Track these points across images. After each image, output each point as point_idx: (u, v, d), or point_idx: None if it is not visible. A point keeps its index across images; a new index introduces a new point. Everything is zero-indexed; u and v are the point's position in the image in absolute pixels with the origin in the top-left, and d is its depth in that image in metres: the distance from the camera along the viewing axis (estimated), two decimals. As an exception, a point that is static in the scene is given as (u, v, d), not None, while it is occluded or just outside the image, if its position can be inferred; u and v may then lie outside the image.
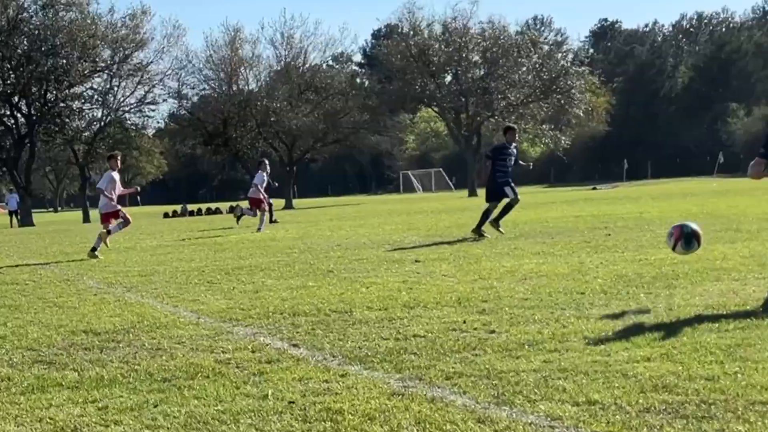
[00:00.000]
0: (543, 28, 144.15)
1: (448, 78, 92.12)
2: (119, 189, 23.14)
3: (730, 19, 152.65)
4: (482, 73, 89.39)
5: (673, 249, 11.39)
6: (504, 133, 23.50)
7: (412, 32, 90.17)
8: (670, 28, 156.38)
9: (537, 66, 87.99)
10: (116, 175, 22.75)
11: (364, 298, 11.80)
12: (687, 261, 14.01)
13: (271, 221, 36.02)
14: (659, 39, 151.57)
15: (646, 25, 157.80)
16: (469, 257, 16.63)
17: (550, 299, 10.86)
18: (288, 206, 74.22)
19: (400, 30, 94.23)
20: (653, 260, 14.50)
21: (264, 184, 33.47)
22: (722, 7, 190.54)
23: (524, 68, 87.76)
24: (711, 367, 7.05)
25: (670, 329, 8.65)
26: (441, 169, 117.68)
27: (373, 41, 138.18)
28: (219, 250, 22.52)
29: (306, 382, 7.29)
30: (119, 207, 22.87)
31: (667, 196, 38.49)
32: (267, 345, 8.94)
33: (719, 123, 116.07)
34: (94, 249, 22.09)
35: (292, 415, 6.37)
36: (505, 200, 22.35)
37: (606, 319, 9.30)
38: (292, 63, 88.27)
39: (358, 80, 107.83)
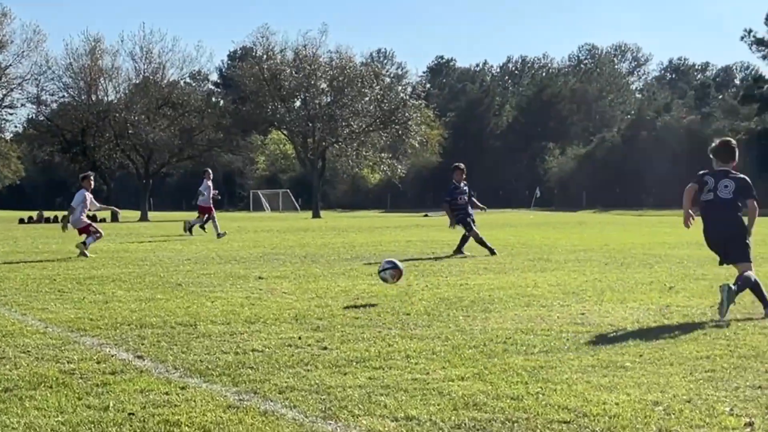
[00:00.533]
0: (386, 61, 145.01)
1: (298, 103, 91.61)
2: (95, 206, 24.47)
3: (549, 64, 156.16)
4: (329, 100, 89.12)
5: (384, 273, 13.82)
6: (452, 172, 23.73)
7: (265, 56, 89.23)
8: (498, 69, 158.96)
9: (378, 97, 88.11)
10: (89, 195, 23.50)
11: (208, 312, 11.67)
12: (502, 287, 14.37)
13: (201, 227, 33.94)
14: (488, 78, 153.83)
15: (477, 65, 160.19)
16: (308, 276, 16.65)
17: (379, 319, 10.97)
18: (143, 218, 73.01)
19: (254, 53, 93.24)
20: (473, 285, 14.76)
21: (210, 192, 33.21)
22: (543, 53, 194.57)
23: (367, 98, 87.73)
24: (517, 387, 7.23)
25: (483, 350, 8.85)
26: (288, 190, 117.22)
27: (229, 62, 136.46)
28: (73, 259, 21.71)
29: (147, 393, 7.10)
30: (89, 222, 24.10)
31: (489, 226, 39.02)
32: (112, 356, 8.68)
33: (537, 160, 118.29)
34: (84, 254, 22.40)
35: (131, 427, 6.21)
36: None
37: (427, 339, 9.45)
38: (151, 77, 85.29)
39: (213, 99, 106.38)
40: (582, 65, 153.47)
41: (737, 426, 6.12)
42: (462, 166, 23.77)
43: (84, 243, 22.80)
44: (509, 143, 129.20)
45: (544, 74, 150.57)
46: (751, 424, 6.15)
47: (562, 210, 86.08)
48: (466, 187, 23.39)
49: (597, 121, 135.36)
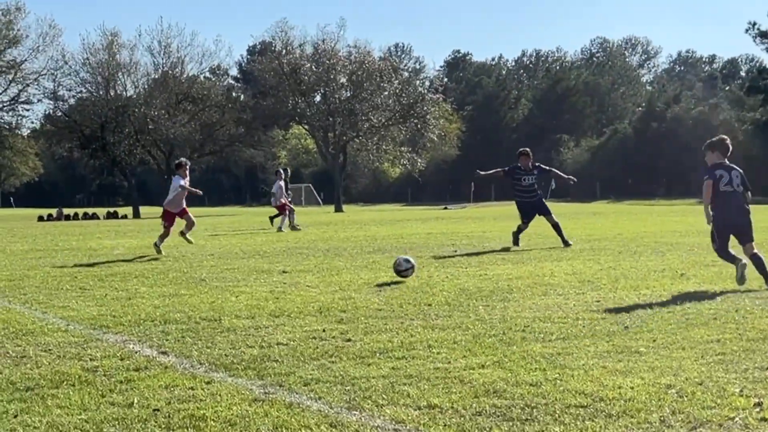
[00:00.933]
0: (403, 56, 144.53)
1: (318, 97, 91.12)
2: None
3: (563, 58, 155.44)
4: (348, 94, 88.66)
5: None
6: (517, 157, 23.73)
7: (284, 51, 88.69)
8: (513, 63, 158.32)
9: (397, 91, 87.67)
10: (185, 181, 22.17)
11: (233, 306, 11.65)
12: (521, 277, 14.39)
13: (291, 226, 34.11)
14: (504, 72, 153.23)
15: (493, 59, 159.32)
16: (332, 269, 16.66)
17: (401, 310, 11.01)
18: (166, 214, 72.46)
19: (273, 48, 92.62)
20: (491, 275, 14.78)
21: (282, 191, 34.08)
22: (557, 47, 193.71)
23: (386, 92, 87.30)
24: (535, 374, 7.29)
25: (503, 339, 8.90)
26: (311, 185, 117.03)
27: (248, 56, 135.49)
28: (93, 256, 21.49)
29: (172, 389, 7.06)
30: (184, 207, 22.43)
31: (507, 218, 39.00)
32: (136, 352, 8.60)
33: (553, 152, 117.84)
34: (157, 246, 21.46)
35: (156, 422, 6.14)
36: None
37: (448, 329, 9.50)
38: (170, 72, 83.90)
39: (233, 94, 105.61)
40: (594, 58, 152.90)
41: (747, 406, 6.18)
42: (527, 150, 23.88)
43: (182, 233, 22.46)
44: (525, 136, 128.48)
45: (558, 68, 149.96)
46: (760, 404, 6.22)
47: (576, 201, 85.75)
48: (536, 170, 23.57)
49: (610, 113, 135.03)
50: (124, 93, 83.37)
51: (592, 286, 12.98)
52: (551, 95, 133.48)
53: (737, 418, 5.92)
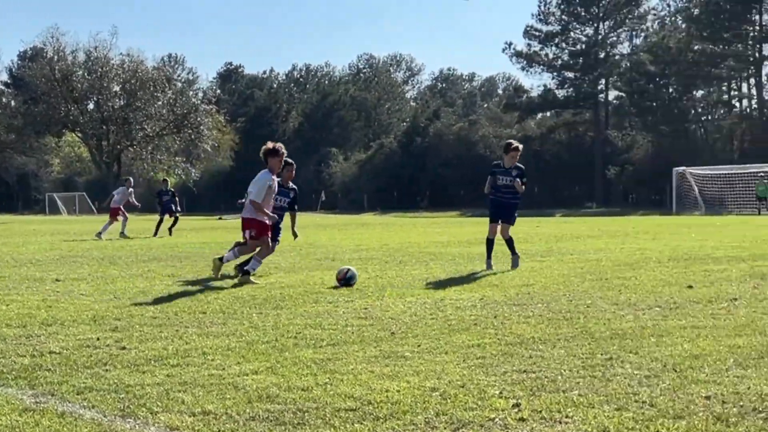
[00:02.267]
0: (177, 66, 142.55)
1: (91, 105, 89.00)
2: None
3: (331, 73, 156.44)
4: (122, 103, 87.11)
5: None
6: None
7: (56, 57, 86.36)
8: (284, 77, 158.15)
9: (171, 101, 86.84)
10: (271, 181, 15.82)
11: (3, 315, 11.14)
12: (292, 285, 14.39)
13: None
14: (275, 86, 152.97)
15: (264, 72, 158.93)
16: (106, 278, 16.23)
17: (176, 318, 10.84)
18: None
19: (45, 54, 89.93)
20: (264, 284, 14.72)
21: (122, 197, 34.23)
22: (326, 62, 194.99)
23: (159, 102, 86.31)
24: (307, 379, 7.31)
25: (275, 345, 8.89)
26: (84, 194, 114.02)
27: (19, 62, 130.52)
28: None
29: None
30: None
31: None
32: None
33: (322, 165, 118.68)
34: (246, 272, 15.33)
35: None
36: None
37: (222, 336, 9.41)
38: None
39: (4, 99, 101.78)
40: (361, 74, 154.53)
41: (506, 407, 6.35)
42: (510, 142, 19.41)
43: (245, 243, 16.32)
44: (296, 149, 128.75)
45: (326, 82, 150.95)
46: (518, 404, 6.40)
47: (346, 213, 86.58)
48: (514, 171, 18.65)
49: (376, 128, 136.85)
50: None
51: (360, 294, 13.09)
52: (320, 109, 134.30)
53: (497, 419, 6.08)
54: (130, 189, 35.38)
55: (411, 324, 10.12)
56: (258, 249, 15.61)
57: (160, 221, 35.49)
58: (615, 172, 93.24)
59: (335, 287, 13.96)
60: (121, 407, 6.53)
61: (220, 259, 15.98)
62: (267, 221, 15.44)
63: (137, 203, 36.54)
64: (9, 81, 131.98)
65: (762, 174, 62.28)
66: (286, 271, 17.41)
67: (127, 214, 35.37)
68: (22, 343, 9.15)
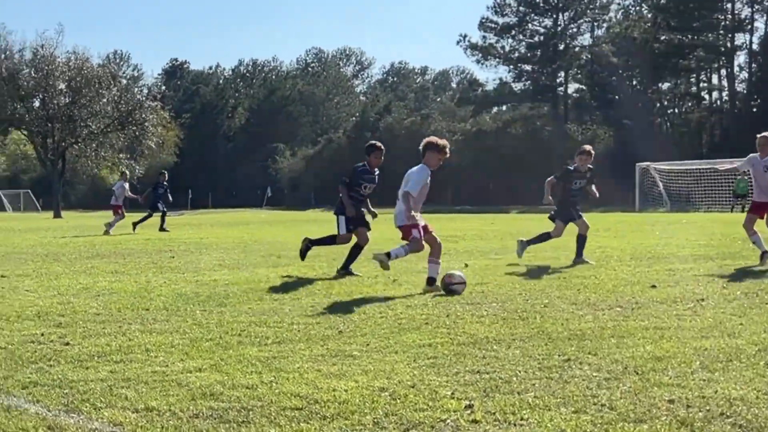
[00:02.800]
0: (122, 63, 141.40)
1: (37, 103, 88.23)
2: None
3: (279, 67, 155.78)
4: (68, 101, 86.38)
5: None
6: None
7: (3, 56, 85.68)
8: (231, 72, 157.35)
9: (116, 98, 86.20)
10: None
11: (-53, 310, 11.08)
12: (237, 282, 14.35)
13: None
14: (221, 81, 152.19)
15: (210, 68, 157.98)
16: (50, 274, 16.15)
17: (119, 314, 10.79)
18: None
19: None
20: (209, 281, 14.68)
21: (121, 192, 34.69)
22: (273, 56, 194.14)
23: (104, 99, 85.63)
24: (251, 377, 7.28)
25: (219, 342, 8.86)
26: (29, 191, 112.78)
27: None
28: None
29: None
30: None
31: (226, 225, 39.03)
32: None
33: (269, 161, 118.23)
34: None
35: None
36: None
37: (166, 333, 9.37)
38: None
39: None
40: (310, 68, 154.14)
41: (458, 408, 6.30)
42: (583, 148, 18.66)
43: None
44: (242, 144, 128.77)
45: (274, 77, 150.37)
46: (470, 406, 6.34)
47: (292, 209, 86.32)
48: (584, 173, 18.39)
49: (325, 123, 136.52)
50: None
51: (307, 292, 13.08)
52: (268, 104, 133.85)
53: (449, 420, 6.03)
54: (126, 183, 35.72)
55: (359, 322, 10.10)
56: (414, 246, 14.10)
57: (149, 215, 35.55)
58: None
59: (283, 283, 13.93)
60: (65, 402, 6.51)
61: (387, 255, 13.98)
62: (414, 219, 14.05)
63: (134, 196, 37.01)
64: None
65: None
66: (231, 268, 17.36)
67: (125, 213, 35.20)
68: (-34, 339, 9.07)
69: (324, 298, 12.32)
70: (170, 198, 36.51)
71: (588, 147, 18.73)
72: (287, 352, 8.33)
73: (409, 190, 14.00)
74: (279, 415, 6.17)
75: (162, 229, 34.16)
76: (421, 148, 14.54)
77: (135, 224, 34.27)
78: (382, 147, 16.89)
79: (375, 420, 6.06)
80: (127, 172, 37.72)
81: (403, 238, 14.30)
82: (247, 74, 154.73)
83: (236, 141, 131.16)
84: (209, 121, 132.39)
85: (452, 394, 6.71)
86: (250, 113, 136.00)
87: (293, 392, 6.75)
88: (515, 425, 5.95)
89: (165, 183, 36.45)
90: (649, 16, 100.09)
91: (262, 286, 13.81)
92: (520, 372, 7.44)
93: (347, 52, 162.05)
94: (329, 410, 6.27)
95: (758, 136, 17.31)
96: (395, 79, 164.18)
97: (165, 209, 35.75)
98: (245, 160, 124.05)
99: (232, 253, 21.33)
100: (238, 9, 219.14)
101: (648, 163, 68.68)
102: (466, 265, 16.70)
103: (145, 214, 35.72)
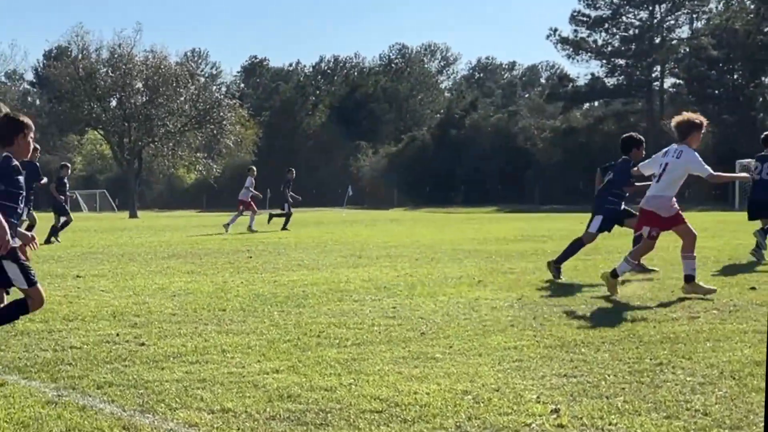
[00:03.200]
0: (200, 61, 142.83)
1: (114, 102, 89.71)
2: None
3: (361, 64, 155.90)
4: (144, 99, 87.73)
5: None
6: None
7: (80, 55, 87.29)
8: (311, 69, 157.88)
9: (194, 96, 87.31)
10: None
11: (26, 311, 11.38)
12: (315, 283, 14.40)
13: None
14: (302, 78, 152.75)
15: (290, 65, 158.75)
16: (126, 274, 16.36)
17: (195, 315, 10.90)
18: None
19: (69, 52, 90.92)
20: (287, 281, 14.75)
21: (251, 188, 36.05)
22: (355, 52, 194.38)
23: (182, 98, 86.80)
24: (330, 379, 7.30)
25: (297, 344, 8.90)
26: (105, 191, 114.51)
27: (44, 61, 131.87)
28: None
29: None
30: None
31: (304, 225, 39.19)
32: None
33: (350, 159, 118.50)
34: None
35: None
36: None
37: (242, 334, 9.44)
38: None
39: (29, 99, 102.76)
40: (393, 65, 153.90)
41: (544, 413, 6.25)
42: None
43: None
44: (323, 142, 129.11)
45: (356, 74, 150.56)
46: (557, 410, 6.29)
47: (374, 208, 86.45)
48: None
49: (408, 120, 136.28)
50: None
51: (388, 293, 13.07)
52: (349, 102, 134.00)
53: (534, 425, 5.99)
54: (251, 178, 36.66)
55: (442, 324, 10.08)
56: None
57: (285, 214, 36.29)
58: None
59: (363, 284, 13.95)
60: (140, 402, 6.61)
61: (614, 275, 12.85)
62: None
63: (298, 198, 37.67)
64: (34, 80, 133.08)
65: None
66: (310, 268, 17.42)
67: (256, 209, 36.44)
68: (44, 338, 9.30)
69: (406, 299, 12.31)
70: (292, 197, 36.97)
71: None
72: (367, 354, 8.35)
73: (711, 171, 13.01)
74: (358, 418, 6.17)
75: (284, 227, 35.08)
76: (681, 129, 12.97)
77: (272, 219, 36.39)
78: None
79: (457, 424, 6.04)
80: (254, 169, 38.30)
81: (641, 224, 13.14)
82: (329, 71, 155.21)
83: (317, 139, 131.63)
84: (289, 118, 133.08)
85: (538, 398, 6.67)
86: (332, 111, 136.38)
87: (373, 395, 6.75)
88: (603, 430, 5.90)
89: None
90: (752, 6, 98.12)
91: (342, 287, 13.83)
92: (609, 376, 7.37)
93: (432, 48, 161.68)
94: (410, 413, 6.26)
95: None
96: (481, 74, 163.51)
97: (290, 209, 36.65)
98: (326, 159, 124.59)
99: (311, 253, 21.43)
100: (318, 4, 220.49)
101: (749, 160, 67.03)
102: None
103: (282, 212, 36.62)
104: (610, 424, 6.01)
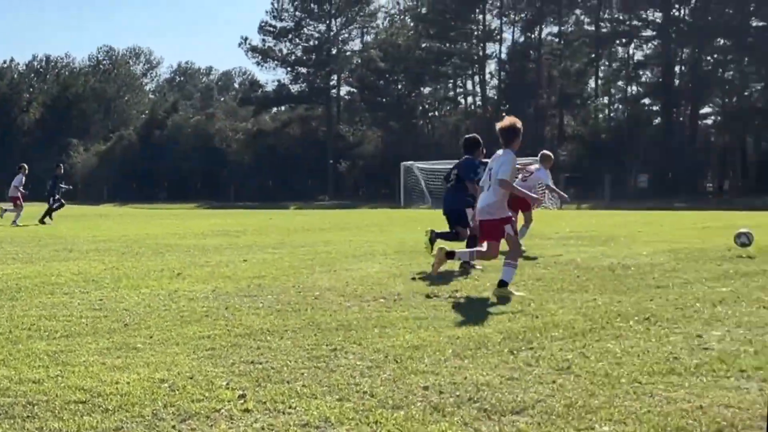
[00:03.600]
0: None
1: None
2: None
3: (72, 63, 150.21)
4: None
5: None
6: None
7: None
8: (25, 67, 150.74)
9: None
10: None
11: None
12: (28, 276, 13.87)
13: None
14: (16, 76, 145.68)
15: (5, 62, 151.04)
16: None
17: None
18: None
19: None
20: (1, 275, 14.12)
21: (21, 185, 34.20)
22: (66, 53, 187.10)
23: None
24: (38, 371, 7.08)
25: (9, 337, 8.57)
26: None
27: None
28: None
29: None
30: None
31: (22, 219, 37.55)
32: None
33: (63, 156, 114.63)
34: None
35: None
36: None
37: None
38: None
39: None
40: (101, 66, 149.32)
41: (232, 398, 6.29)
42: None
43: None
44: (37, 139, 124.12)
45: (67, 73, 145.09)
46: (244, 396, 6.34)
47: (85, 203, 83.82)
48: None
49: (116, 120, 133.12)
50: None
51: (96, 285, 12.74)
52: (61, 100, 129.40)
53: (223, 410, 6.02)
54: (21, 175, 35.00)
55: (144, 315, 9.94)
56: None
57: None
58: (346, 166, 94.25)
59: (74, 277, 13.57)
60: None
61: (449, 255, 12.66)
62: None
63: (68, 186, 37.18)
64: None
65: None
66: (23, 261, 16.78)
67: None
68: None
69: (112, 292, 12.05)
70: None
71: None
72: (74, 346, 8.14)
73: (505, 177, 11.73)
74: (63, 409, 6.02)
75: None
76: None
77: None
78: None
79: (154, 411, 5.99)
80: (25, 166, 36.22)
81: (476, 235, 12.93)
82: (41, 69, 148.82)
83: (31, 136, 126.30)
84: (4, 115, 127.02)
85: (227, 384, 6.69)
86: (44, 108, 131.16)
87: (78, 386, 6.60)
88: (284, 413, 5.98)
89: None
90: (412, 24, 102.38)
91: (53, 280, 13.37)
92: (290, 362, 7.47)
93: (137, 51, 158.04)
94: (111, 403, 6.17)
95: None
96: (182, 78, 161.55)
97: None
98: (40, 156, 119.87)
99: (26, 247, 20.61)
100: (29, 3, 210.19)
101: (411, 162, 70.00)
102: (245, 260, 16.61)
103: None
104: (290, 407, 6.10)
